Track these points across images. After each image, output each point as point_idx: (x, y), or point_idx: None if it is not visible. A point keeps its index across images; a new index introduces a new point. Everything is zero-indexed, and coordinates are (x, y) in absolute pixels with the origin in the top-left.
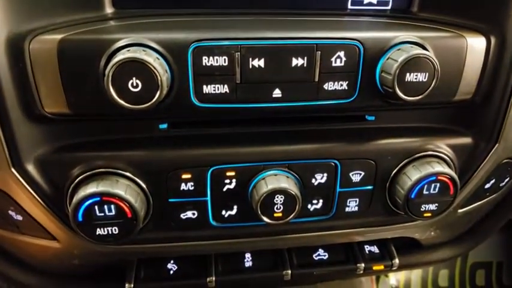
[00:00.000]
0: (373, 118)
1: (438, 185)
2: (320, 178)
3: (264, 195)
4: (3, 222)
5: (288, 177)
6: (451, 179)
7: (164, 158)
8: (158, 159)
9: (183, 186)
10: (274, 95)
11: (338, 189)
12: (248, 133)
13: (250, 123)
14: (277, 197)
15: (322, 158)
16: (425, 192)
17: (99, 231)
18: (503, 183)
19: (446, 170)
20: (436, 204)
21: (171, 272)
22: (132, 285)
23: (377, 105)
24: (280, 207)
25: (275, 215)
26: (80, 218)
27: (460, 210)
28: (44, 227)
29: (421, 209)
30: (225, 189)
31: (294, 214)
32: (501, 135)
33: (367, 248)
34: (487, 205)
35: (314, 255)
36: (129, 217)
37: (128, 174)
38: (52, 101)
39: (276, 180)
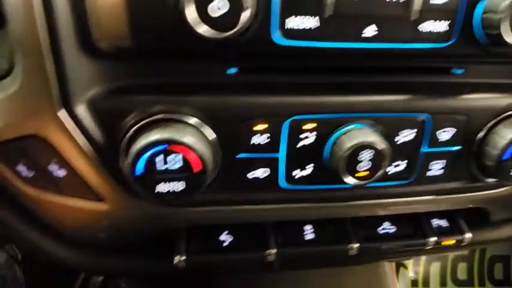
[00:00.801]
0: (461, 71)
1: None
2: (406, 135)
3: (350, 150)
4: (40, 180)
5: (373, 132)
6: None
7: (238, 104)
8: (231, 105)
9: (255, 139)
10: (364, 34)
11: (424, 149)
12: (329, 83)
13: (331, 72)
14: (363, 153)
15: (411, 112)
16: None
17: (159, 188)
18: None
19: None
20: None
21: (225, 244)
22: (184, 258)
23: (472, 53)
24: (364, 166)
25: (358, 174)
26: (140, 171)
27: None
28: (89, 185)
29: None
30: (300, 144)
31: (379, 173)
32: None
33: (434, 221)
34: None
35: (379, 229)
36: (197, 171)
37: (195, 122)
38: (112, 31)
39: (362, 134)
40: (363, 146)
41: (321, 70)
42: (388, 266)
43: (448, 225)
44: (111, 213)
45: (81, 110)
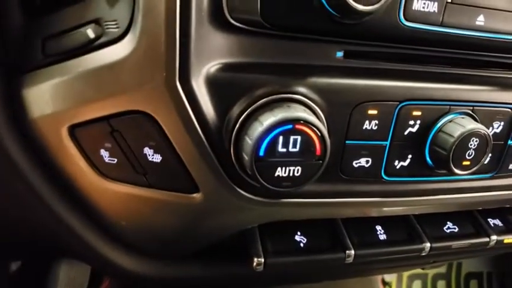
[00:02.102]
0: None
1: None
2: (497, 127)
3: (462, 136)
4: (124, 169)
5: (475, 121)
6: None
7: (352, 87)
8: (346, 87)
9: (366, 125)
10: (477, 22)
11: (510, 142)
12: (434, 72)
13: (435, 62)
14: (472, 141)
15: (502, 103)
16: None
17: (279, 172)
18: None
19: None
20: None
21: (301, 244)
22: (263, 260)
23: None
24: (471, 154)
25: (464, 163)
26: (263, 152)
27: None
28: (188, 172)
29: None
30: (407, 132)
31: (482, 161)
32: None
33: (490, 221)
34: None
35: (444, 228)
36: (318, 155)
37: (312, 104)
38: (244, 4)
39: (469, 122)
40: (474, 133)
41: (424, 59)
42: (379, 282)
43: (502, 224)
44: (204, 205)
45: (198, 85)
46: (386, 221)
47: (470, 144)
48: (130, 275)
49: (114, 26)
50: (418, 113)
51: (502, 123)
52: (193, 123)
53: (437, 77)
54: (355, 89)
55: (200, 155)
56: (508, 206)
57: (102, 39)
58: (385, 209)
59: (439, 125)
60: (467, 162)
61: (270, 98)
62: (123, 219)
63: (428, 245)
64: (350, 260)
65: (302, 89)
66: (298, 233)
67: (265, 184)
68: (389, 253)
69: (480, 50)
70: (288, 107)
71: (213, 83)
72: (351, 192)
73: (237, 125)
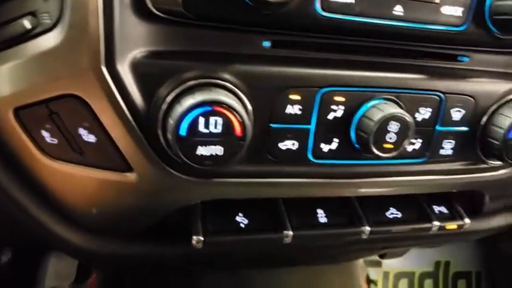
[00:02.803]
0: (467, 60)
1: None
2: (424, 113)
3: (382, 120)
4: (63, 148)
5: (398, 107)
6: None
7: (275, 74)
8: (267, 75)
9: (289, 109)
10: (395, 11)
11: (438, 128)
12: (358, 60)
13: (360, 51)
14: (392, 125)
15: (428, 90)
16: None
17: (201, 151)
18: None
19: None
20: None
21: (242, 225)
22: (202, 238)
23: (484, 40)
24: (392, 137)
25: (385, 145)
26: (184, 132)
27: None
28: (120, 152)
29: None
30: (330, 116)
31: (403, 146)
32: None
33: (436, 208)
34: None
35: (387, 214)
36: (238, 136)
37: (235, 90)
38: None
39: (391, 107)
40: (393, 117)
41: (349, 48)
42: (363, 279)
43: (447, 211)
44: (139, 184)
45: (123, 70)
46: (329, 205)
47: (391, 128)
48: (81, 252)
49: (47, 18)
50: (341, 99)
51: (429, 109)
52: (120, 106)
53: (360, 65)
54: (278, 76)
55: (130, 136)
56: (444, 191)
57: (38, 30)
58: (318, 190)
59: (362, 110)
60: (390, 146)
61: (194, 82)
62: (69, 198)
63: (367, 228)
64: (288, 240)
65: (226, 75)
66: (240, 214)
67: (188, 162)
68: (329, 235)
69: (401, 40)
70: (210, 90)
71: (139, 68)
72: (280, 173)
73: (163, 108)
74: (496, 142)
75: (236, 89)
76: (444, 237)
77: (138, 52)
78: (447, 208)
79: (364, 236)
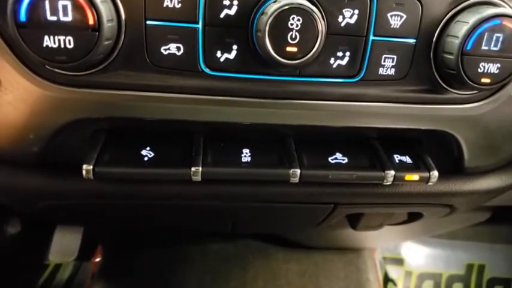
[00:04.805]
0: None
1: (502, 36)
2: (349, 16)
3: (276, 12)
4: None
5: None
6: None
7: None
8: None
9: (167, 2)
10: None
11: (371, 37)
12: None
13: None
14: (293, 20)
15: None
16: (484, 46)
17: (48, 42)
18: None
19: None
20: (498, 65)
21: (146, 158)
22: (91, 168)
23: None
24: (295, 37)
25: (288, 49)
26: (24, 18)
27: None
28: None
29: (478, 69)
30: (222, 14)
31: (314, 50)
32: None
33: (397, 157)
34: None
35: (330, 158)
36: (91, 25)
37: None
38: None
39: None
40: (291, 10)
41: None
42: (373, 274)
43: (411, 161)
44: (8, 97)
45: None
46: (258, 144)
47: (291, 24)
48: None
49: None
50: None
51: (357, 11)
52: None
53: None
54: None
55: None
56: (393, 127)
57: None
58: (218, 111)
59: (262, 8)
60: (293, 49)
61: None
62: None
63: (297, 170)
64: (198, 178)
65: None
66: (148, 148)
67: (35, 55)
68: (249, 175)
69: None
70: None
71: None
72: (165, 86)
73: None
74: (451, 57)
75: None
76: (415, 198)
77: None
78: (411, 158)
79: (295, 180)
